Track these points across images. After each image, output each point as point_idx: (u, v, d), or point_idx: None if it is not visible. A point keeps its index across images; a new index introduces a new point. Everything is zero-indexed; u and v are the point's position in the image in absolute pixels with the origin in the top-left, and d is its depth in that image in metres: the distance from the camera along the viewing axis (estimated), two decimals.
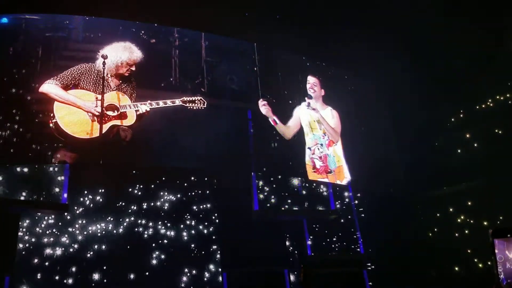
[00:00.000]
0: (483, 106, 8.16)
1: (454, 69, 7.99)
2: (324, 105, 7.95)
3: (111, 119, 5.64)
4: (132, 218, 6.86)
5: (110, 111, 5.66)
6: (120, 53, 5.90)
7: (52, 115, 5.57)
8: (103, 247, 6.55)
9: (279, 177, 7.91)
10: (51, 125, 5.56)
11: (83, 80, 5.79)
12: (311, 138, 7.69)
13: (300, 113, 7.72)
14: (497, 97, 7.99)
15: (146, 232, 6.90)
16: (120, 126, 5.75)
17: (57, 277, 6.20)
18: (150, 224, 6.95)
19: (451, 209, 8.25)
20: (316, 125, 7.77)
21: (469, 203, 7.99)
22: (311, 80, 7.91)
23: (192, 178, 7.37)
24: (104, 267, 6.43)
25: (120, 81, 5.99)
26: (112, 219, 6.73)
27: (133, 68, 6.00)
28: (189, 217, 7.23)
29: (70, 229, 6.45)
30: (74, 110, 5.59)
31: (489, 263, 7.35)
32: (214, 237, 7.28)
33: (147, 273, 6.68)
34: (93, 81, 5.80)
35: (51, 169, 6.43)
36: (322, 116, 7.75)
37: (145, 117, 5.97)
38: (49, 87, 5.64)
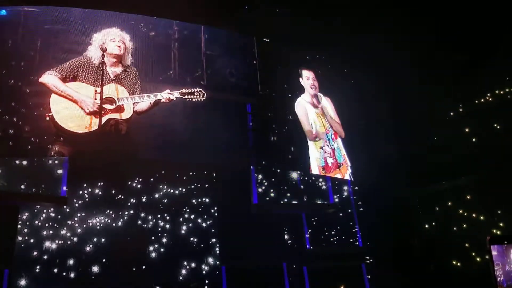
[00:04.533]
0: (483, 100, 8.16)
1: (454, 64, 7.97)
2: (321, 96, 7.98)
3: (107, 112, 5.60)
4: (131, 211, 6.87)
5: (108, 104, 5.62)
6: (101, 37, 5.84)
7: (48, 108, 5.53)
8: (103, 240, 6.56)
9: (278, 170, 7.92)
10: (47, 118, 5.52)
11: (81, 72, 5.72)
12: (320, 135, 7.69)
13: (303, 109, 7.66)
14: (497, 91, 7.99)
15: (145, 225, 6.91)
16: (117, 119, 5.70)
17: (56, 270, 6.20)
18: (149, 217, 6.96)
19: (449, 203, 8.27)
20: (322, 121, 7.75)
21: (468, 197, 8.01)
22: (310, 75, 7.89)
23: (191, 171, 7.37)
24: (103, 260, 6.44)
25: (118, 68, 5.94)
26: (111, 212, 6.73)
27: (120, 44, 5.85)
28: (188, 210, 7.24)
29: (69, 222, 6.45)
30: (70, 104, 5.52)
31: (487, 257, 7.38)
32: (213, 231, 7.29)
33: (146, 266, 6.69)
34: (91, 74, 5.75)
35: (50, 162, 6.42)
36: (325, 110, 7.77)
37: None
38: (49, 78, 5.58)
